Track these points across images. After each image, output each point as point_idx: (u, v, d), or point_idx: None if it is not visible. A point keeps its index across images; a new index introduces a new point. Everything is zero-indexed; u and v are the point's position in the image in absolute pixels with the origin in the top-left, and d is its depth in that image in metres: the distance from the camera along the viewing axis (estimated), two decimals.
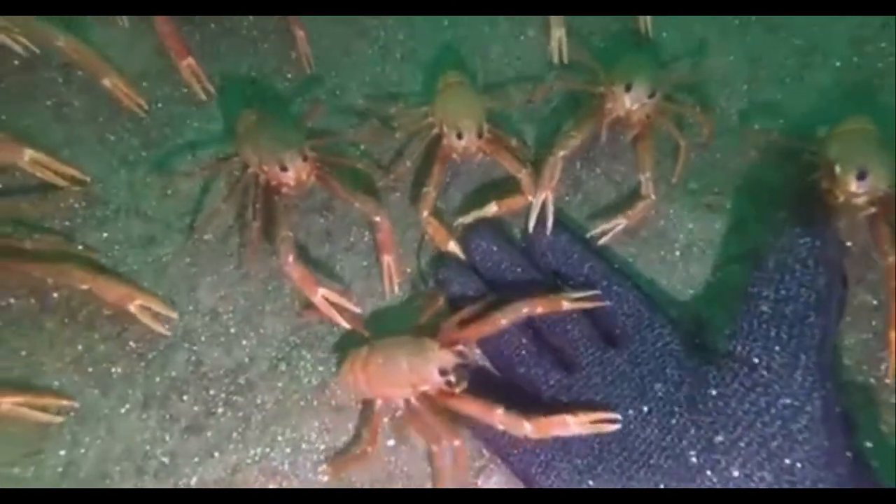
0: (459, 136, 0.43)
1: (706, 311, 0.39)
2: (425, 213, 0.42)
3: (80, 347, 0.40)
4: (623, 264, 0.42)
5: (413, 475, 0.38)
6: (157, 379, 0.40)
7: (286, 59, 0.49)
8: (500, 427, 0.33)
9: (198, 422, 0.39)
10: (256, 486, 0.38)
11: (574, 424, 0.32)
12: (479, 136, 0.43)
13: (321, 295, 0.39)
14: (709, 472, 0.30)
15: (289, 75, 0.49)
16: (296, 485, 0.38)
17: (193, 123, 0.47)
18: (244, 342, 0.41)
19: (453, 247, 0.42)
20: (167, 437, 0.39)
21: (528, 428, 0.32)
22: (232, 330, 0.42)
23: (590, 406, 0.33)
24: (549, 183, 0.41)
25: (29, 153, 0.42)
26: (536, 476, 0.33)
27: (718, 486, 0.30)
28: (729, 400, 0.31)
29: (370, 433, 0.37)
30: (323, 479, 0.38)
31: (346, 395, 0.40)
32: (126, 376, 0.40)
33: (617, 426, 0.32)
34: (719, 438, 0.30)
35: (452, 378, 0.35)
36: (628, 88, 0.42)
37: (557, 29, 0.48)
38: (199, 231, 0.43)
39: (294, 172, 0.41)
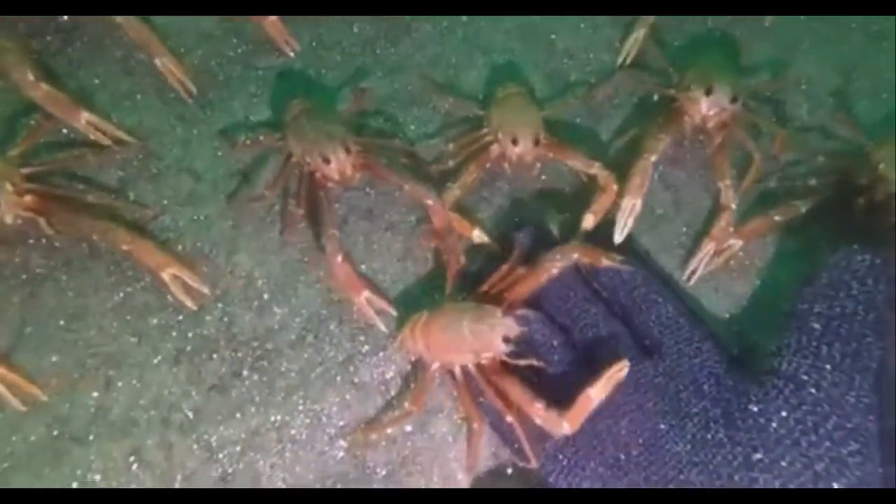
0: (515, 142, 0.41)
1: (755, 332, 0.37)
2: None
3: (121, 295, 0.42)
4: (667, 276, 0.41)
5: (425, 464, 0.37)
6: (190, 335, 0.41)
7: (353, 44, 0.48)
8: (538, 421, 0.32)
9: (224, 382, 0.40)
10: (273, 451, 0.38)
11: (595, 393, 0.31)
12: (536, 143, 0.42)
13: (364, 297, 0.39)
14: (741, 489, 0.29)
15: (345, 59, 0.48)
16: (312, 456, 0.38)
17: (250, 88, 0.47)
18: (276, 309, 0.42)
19: (479, 234, 0.41)
20: (194, 393, 0.39)
21: (566, 427, 0.31)
22: (266, 296, 0.42)
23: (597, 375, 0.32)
24: (639, 189, 0.39)
25: (85, 116, 0.43)
26: (557, 483, 0.32)
27: None
28: (771, 417, 0.29)
29: (417, 393, 0.37)
30: (339, 452, 0.38)
31: (369, 373, 0.40)
32: (161, 328, 0.41)
33: (627, 366, 0.31)
34: (758, 456, 0.29)
35: (514, 347, 0.34)
36: (709, 92, 0.41)
37: (640, 28, 0.45)
38: (240, 204, 0.44)
39: (337, 165, 0.41)
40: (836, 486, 0.28)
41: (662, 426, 0.31)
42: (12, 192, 0.40)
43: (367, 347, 0.40)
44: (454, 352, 0.35)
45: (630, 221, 0.40)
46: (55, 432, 0.38)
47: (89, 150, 0.44)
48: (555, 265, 0.36)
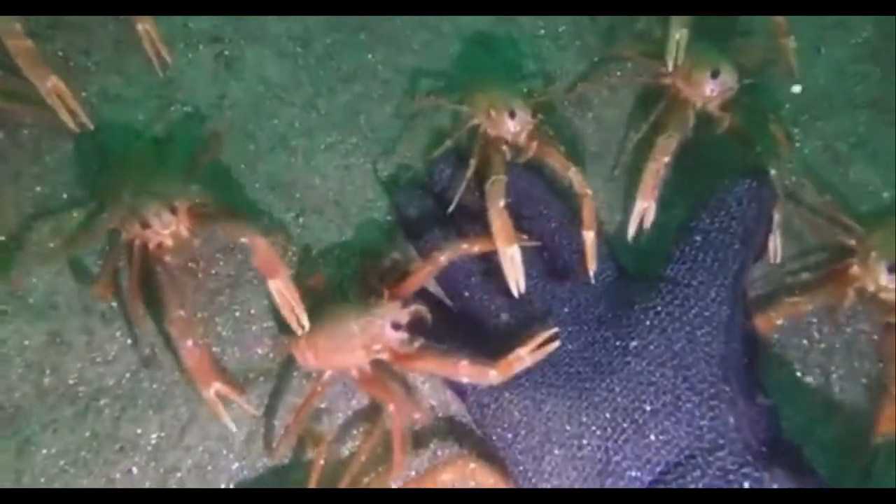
0: (512, 115, 0.39)
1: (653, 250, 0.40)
2: (500, 203, 0.37)
3: (40, 188, 0.41)
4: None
5: None
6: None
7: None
8: (466, 379, 0.32)
9: None
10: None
11: (527, 356, 0.32)
12: (534, 114, 0.40)
13: (214, 391, 0.34)
14: (618, 374, 0.33)
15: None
16: (237, 354, 0.39)
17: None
18: None
19: (514, 252, 0.36)
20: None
21: (492, 374, 0.32)
22: None
23: (530, 335, 0.33)
24: (651, 192, 0.38)
25: (53, 80, 0.37)
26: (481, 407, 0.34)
27: (622, 385, 0.33)
28: (648, 312, 0.34)
29: (301, 407, 0.35)
30: (265, 349, 0.39)
31: None
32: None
33: (557, 343, 0.33)
34: (633, 344, 0.33)
35: (406, 334, 0.33)
36: (715, 75, 0.40)
37: (678, 29, 0.42)
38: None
39: (161, 229, 0.35)
40: (688, 360, 0.32)
41: (563, 333, 0.35)
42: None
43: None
44: (344, 352, 0.34)
45: (643, 225, 0.39)
46: None
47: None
48: (444, 255, 0.35)
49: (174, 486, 0.36)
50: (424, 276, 0.37)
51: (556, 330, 0.33)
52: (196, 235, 0.37)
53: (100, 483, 0.36)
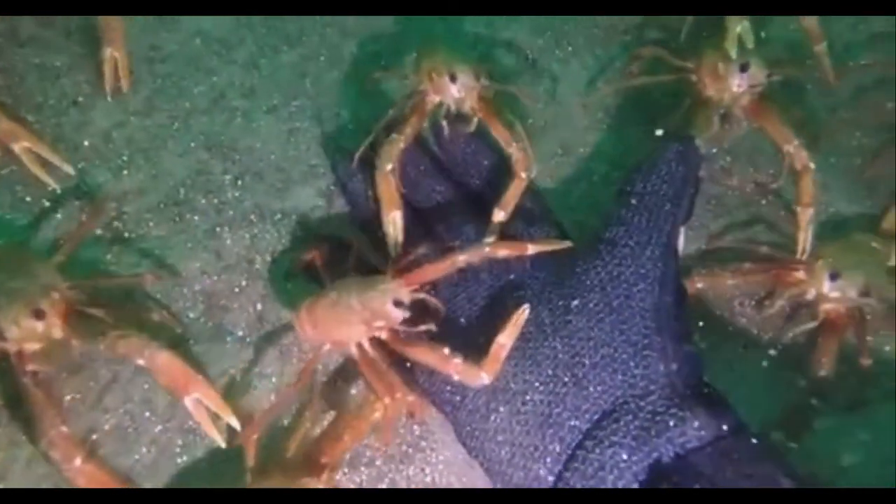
0: (453, 79, 0.38)
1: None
2: (387, 167, 0.36)
3: None
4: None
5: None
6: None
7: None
8: (457, 377, 0.32)
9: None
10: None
11: (504, 338, 0.32)
12: (477, 78, 0.39)
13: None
14: (560, 332, 0.34)
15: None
16: (165, 318, 0.37)
17: None
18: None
19: (397, 218, 0.37)
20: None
21: (484, 377, 0.32)
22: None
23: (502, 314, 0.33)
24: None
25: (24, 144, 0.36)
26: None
27: (563, 342, 0.34)
28: (589, 272, 0.35)
29: (301, 376, 0.34)
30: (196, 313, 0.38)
31: (235, 250, 0.40)
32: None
33: (527, 313, 0.33)
34: (575, 303, 0.34)
35: (408, 312, 0.33)
36: (744, 68, 0.40)
37: (734, 25, 0.41)
38: None
39: (22, 333, 0.30)
40: (624, 314, 0.34)
41: (509, 298, 0.36)
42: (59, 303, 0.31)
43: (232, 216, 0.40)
44: (344, 325, 0.34)
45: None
46: None
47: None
48: (462, 257, 0.34)
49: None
50: (438, 271, 0.34)
51: (526, 306, 0.33)
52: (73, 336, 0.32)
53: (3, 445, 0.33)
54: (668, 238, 0.37)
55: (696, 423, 0.31)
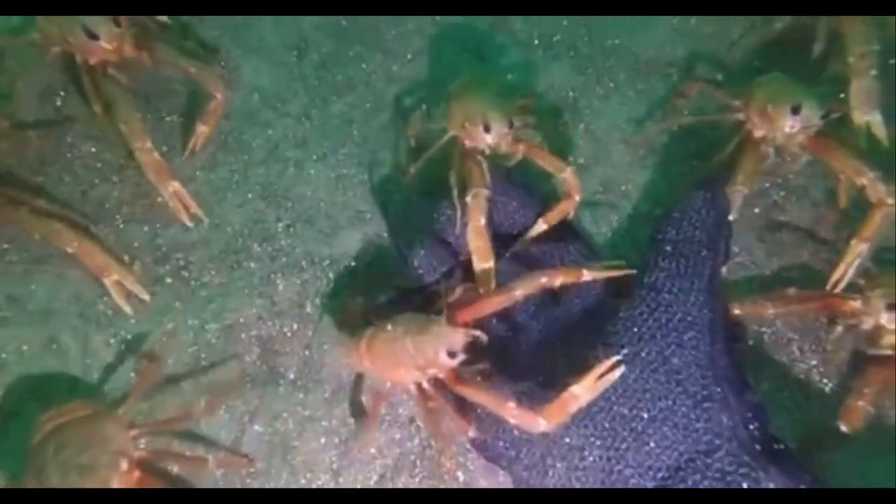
0: (487, 129, 0.38)
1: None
2: (481, 221, 0.36)
3: None
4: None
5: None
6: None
7: None
8: (512, 421, 0.31)
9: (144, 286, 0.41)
10: (185, 353, 0.40)
11: (581, 391, 0.31)
12: (511, 125, 0.39)
13: (172, 189, 0.40)
14: (612, 385, 0.33)
15: None
16: (227, 361, 0.40)
17: None
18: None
19: (491, 269, 0.36)
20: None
21: (542, 424, 0.31)
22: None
23: (583, 367, 0.32)
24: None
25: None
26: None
27: (618, 394, 0.33)
28: (636, 319, 0.35)
29: (370, 415, 0.35)
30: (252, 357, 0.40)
31: (288, 295, 0.42)
32: None
33: (621, 370, 0.31)
34: (624, 351, 0.34)
35: (461, 359, 0.32)
36: (796, 110, 0.38)
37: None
38: None
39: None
40: (676, 362, 0.34)
41: (557, 349, 0.36)
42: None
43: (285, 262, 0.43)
44: (399, 368, 0.34)
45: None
46: None
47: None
48: (521, 288, 0.33)
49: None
50: (494, 306, 0.35)
51: (616, 360, 0.32)
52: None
53: None
54: (710, 283, 0.36)
55: (771, 485, 0.30)
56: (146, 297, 0.40)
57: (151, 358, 0.39)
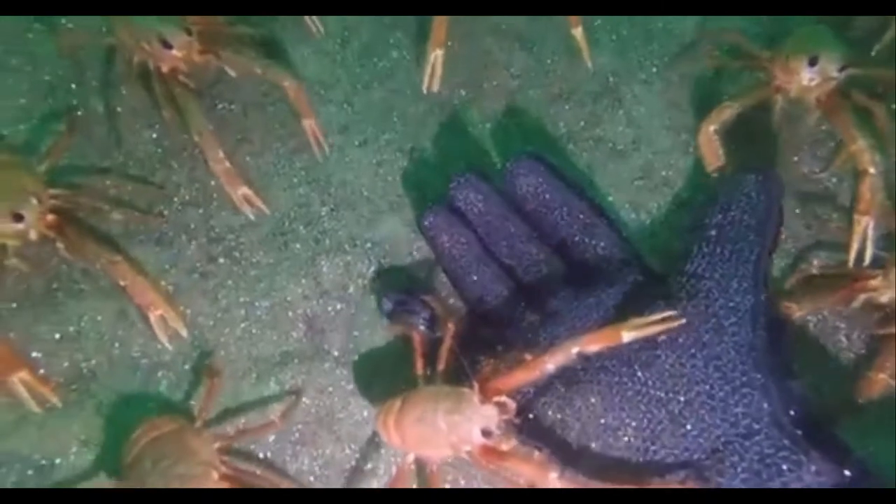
0: (812, 62, 0.38)
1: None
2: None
3: None
4: (616, 211, 0.43)
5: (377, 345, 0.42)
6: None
7: None
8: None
9: (201, 266, 0.44)
10: (238, 328, 0.43)
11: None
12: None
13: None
14: (649, 368, 0.34)
15: None
16: (274, 336, 0.43)
17: None
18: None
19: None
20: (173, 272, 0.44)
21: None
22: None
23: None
24: (715, 159, 0.40)
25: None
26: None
27: (654, 378, 0.33)
28: (674, 306, 0.34)
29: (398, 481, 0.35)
30: (299, 334, 0.42)
31: (332, 276, 0.44)
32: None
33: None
34: (662, 338, 0.34)
35: (497, 437, 0.32)
36: (813, 62, 0.38)
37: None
38: None
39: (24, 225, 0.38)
40: (717, 349, 0.33)
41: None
42: (38, 210, 0.40)
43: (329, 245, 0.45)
44: (430, 446, 0.33)
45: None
46: (54, 285, 0.43)
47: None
48: (553, 360, 0.32)
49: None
50: (526, 378, 0.33)
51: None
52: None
53: None
54: (756, 270, 0.35)
55: (813, 468, 0.30)
56: (185, 333, 0.42)
57: (214, 373, 0.41)
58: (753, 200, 0.36)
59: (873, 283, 0.37)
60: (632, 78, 0.47)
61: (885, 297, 0.37)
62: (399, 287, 0.42)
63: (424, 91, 0.45)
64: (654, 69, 0.47)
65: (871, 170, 0.37)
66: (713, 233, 0.36)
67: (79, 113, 0.46)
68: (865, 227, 0.37)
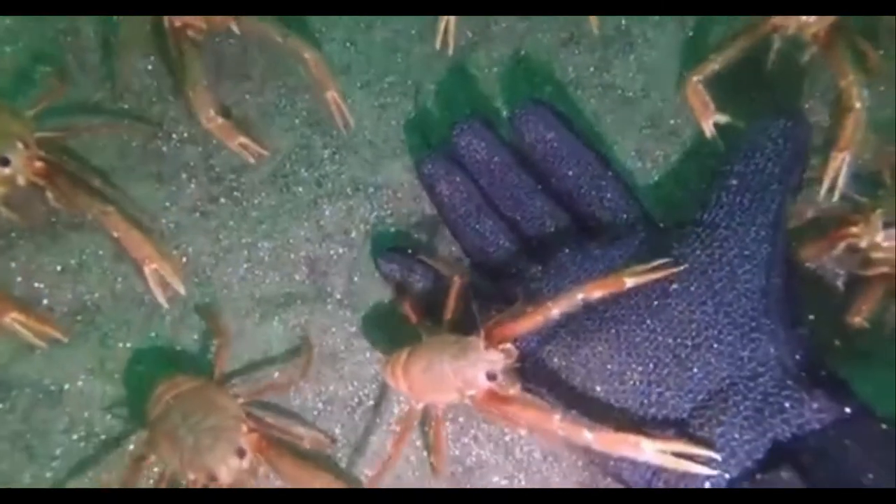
0: None
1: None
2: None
3: None
4: (622, 158, 0.43)
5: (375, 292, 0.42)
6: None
7: None
8: (560, 433, 0.31)
9: (202, 205, 0.44)
10: (241, 268, 0.43)
11: (650, 451, 0.30)
12: None
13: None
14: (658, 315, 0.34)
15: None
16: (276, 279, 0.43)
17: None
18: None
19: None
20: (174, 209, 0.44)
21: (588, 437, 0.30)
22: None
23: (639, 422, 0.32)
24: (705, 110, 0.39)
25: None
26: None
27: (662, 325, 0.33)
28: (688, 255, 0.34)
29: (399, 436, 0.36)
30: (301, 276, 0.43)
31: (334, 220, 0.44)
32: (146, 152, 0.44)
33: (710, 472, 0.30)
34: (674, 287, 0.34)
35: (502, 381, 0.33)
36: None
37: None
38: None
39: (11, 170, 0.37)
40: (729, 296, 0.33)
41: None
42: (25, 155, 0.38)
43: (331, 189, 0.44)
44: (437, 392, 0.34)
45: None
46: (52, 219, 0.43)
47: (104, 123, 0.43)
48: (558, 306, 0.33)
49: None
50: (531, 325, 0.34)
51: (713, 456, 0.30)
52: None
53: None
54: (777, 218, 0.34)
55: (814, 405, 0.31)
56: (182, 290, 0.41)
57: (222, 332, 0.41)
58: (780, 147, 0.35)
59: (854, 229, 0.37)
60: (645, 19, 0.45)
61: (864, 242, 0.37)
62: (399, 243, 0.43)
63: (437, 47, 0.43)
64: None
65: (857, 105, 0.36)
66: (734, 182, 0.35)
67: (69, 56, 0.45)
68: (840, 163, 0.37)
